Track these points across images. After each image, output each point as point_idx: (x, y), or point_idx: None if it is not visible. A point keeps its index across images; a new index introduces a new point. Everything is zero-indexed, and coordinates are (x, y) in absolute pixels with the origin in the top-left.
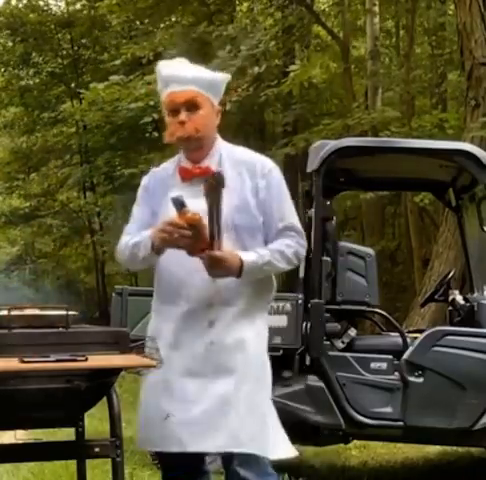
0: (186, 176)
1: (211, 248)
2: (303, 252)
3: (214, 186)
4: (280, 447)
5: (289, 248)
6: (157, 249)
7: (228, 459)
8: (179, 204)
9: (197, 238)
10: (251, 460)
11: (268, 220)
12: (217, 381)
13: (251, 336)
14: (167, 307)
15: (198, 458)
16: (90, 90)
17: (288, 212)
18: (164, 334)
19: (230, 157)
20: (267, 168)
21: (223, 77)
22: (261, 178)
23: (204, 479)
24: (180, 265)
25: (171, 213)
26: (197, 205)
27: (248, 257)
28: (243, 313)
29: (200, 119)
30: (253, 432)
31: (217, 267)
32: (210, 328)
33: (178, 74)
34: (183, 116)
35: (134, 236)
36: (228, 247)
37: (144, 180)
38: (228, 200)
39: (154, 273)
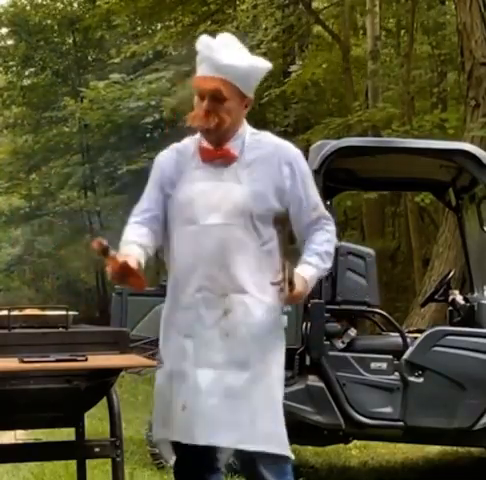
0: (207, 157)
1: (282, 284)
2: (335, 239)
3: (279, 224)
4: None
5: (330, 244)
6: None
7: (249, 460)
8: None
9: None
10: (272, 461)
11: (297, 209)
12: (231, 374)
13: (267, 329)
14: (180, 295)
15: (212, 455)
16: (90, 88)
17: (318, 200)
18: (177, 322)
19: (254, 143)
20: (292, 155)
21: (262, 66)
22: (285, 165)
23: (215, 477)
24: (192, 253)
25: (185, 194)
26: (215, 187)
27: (308, 274)
28: (258, 302)
29: (224, 113)
30: (269, 430)
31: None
32: (225, 318)
33: (212, 57)
34: (207, 106)
35: (132, 230)
36: (238, 235)
37: (162, 155)
38: (246, 186)
39: (167, 258)
